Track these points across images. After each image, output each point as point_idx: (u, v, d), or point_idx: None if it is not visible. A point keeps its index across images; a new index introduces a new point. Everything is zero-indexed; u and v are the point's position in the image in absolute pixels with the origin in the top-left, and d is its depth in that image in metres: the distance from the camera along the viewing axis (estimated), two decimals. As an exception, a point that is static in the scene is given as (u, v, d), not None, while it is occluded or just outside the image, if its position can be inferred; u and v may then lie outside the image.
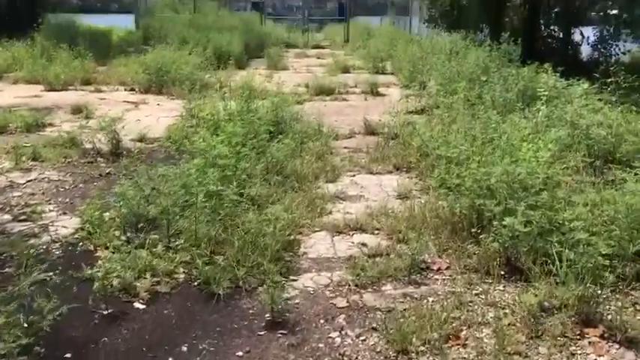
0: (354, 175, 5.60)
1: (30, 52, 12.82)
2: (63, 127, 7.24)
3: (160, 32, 16.13)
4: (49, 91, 10.51)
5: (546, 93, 7.45)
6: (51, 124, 7.62)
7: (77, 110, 8.34)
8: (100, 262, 3.49)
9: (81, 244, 3.85)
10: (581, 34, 14.97)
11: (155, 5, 26.21)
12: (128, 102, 9.43)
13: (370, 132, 7.40)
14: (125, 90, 10.65)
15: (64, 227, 4.14)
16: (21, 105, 8.96)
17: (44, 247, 3.82)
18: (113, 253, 3.58)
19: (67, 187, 5.13)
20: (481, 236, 3.76)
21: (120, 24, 26.79)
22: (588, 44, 14.68)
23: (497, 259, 3.55)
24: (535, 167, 4.04)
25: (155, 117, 8.25)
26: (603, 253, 3.14)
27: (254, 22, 25.80)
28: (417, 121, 7.66)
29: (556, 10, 16.89)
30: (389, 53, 15.96)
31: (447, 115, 6.89)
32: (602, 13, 14.53)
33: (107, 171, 5.63)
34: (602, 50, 14.04)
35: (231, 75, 12.92)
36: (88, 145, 6.29)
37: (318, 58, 18.53)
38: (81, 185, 5.20)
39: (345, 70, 14.52)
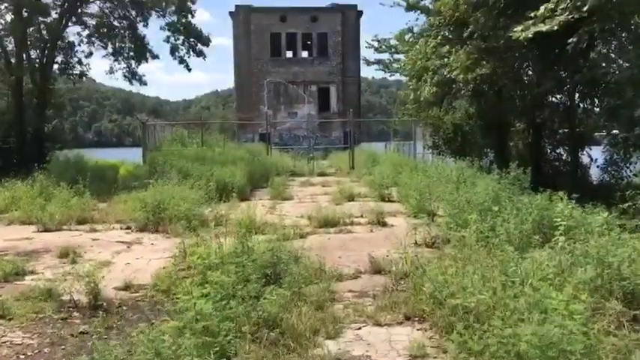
0: (359, 329, 4.92)
1: (29, 191, 12.65)
2: (45, 275, 6.72)
3: (164, 166, 16.12)
4: (42, 231, 10.13)
5: (564, 223, 6.94)
6: (33, 272, 7.08)
7: (65, 254, 7.86)
8: None
9: None
10: (590, 157, 14.78)
11: (163, 139, 26.79)
12: (121, 242, 8.98)
13: (377, 271, 6.79)
14: (121, 229, 10.25)
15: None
16: (9, 249, 8.51)
17: None
18: None
19: (28, 354, 4.47)
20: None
21: (131, 157, 27.43)
22: (597, 167, 14.44)
23: None
24: (570, 325, 3.39)
25: (147, 259, 7.73)
26: None
27: (260, 152, 26.23)
28: (426, 256, 7.10)
29: (560, 132, 16.91)
30: (394, 180, 15.78)
31: (459, 253, 6.31)
32: (607, 134, 14.45)
33: (80, 329, 4.99)
34: (613, 173, 13.76)
35: (232, 208, 12.63)
36: (66, 297, 5.71)
37: (324, 186, 18.38)
38: (46, 350, 4.54)
39: (351, 198, 14.22)
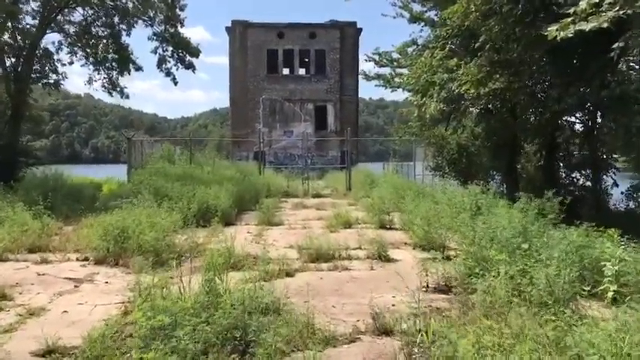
0: None
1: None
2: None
3: (140, 186, 14.61)
4: (-16, 262, 8.59)
5: (615, 268, 5.51)
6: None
7: (-4, 295, 6.33)
8: None
9: None
10: (615, 182, 13.35)
11: (150, 156, 25.27)
12: (70, 279, 7.44)
13: (382, 330, 5.26)
14: (77, 260, 8.72)
15: None
16: None
17: None
18: None
19: None
20: None
21: (122, 175, 25.88)
22: (622, 193, 13.01)
23: None
24: None
25: (92, 304, 6.19)
26: None
27: (252, 171, 24.76)
28: (442, 306, 5.64)
29: (576, 155, 15.51)
30: (395, 204, 14.33)
31: (491, 310, 4.84)
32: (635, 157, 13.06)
33: None
34: (640, 200, 12.35)
35: (213, 235, 11.15)
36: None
37: (318, 209, 16.87)
38: None
39: (347, 224, 12.71)
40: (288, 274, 7.61)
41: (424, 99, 13.79)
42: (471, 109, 15.66)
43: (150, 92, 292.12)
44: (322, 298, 6.38)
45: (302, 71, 45.19)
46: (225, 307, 4.78)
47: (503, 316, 4.93)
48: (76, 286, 7.04)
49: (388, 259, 8.79)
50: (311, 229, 12.32)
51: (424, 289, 6.91)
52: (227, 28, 43.33)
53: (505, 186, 16.42)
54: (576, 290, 5.49)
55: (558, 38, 6.41)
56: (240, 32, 42.59)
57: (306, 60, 44.22)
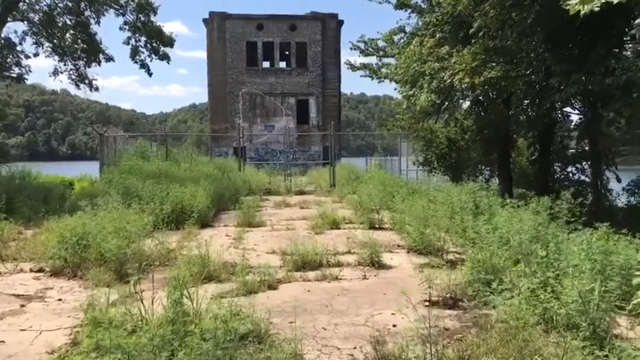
0: None
1: None
2: None
3: (113, 185, 13.54)
4: None
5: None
6: None
7: None
8: None
9: None
10: (618, 177, 12.63)
11: (124, 152, 24.03)
12: (18, 296, 6.42)
13: (384, 361, 4.37)
14: (31, 271, 7.68)
15: None
16: None
17: None
18: None
19: None
20: None
21: (96, 173, 24.60)
22: (624, 188, 12.30)
23: None
24: None
25: (37, 330, 5.20)
26: None
27: (232, 168, 23.73)
28: (451, 326, 4.79)
29: (573, 148, 14.80)
30: (384, 202, 13.49)
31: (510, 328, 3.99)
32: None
33: None
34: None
35: (188, 238, 10.18)
36: None
37: (302, 207, 15.95)
38: None
39: (334, 224, 11.82)
40: (271, 287, 6.68)
41: (413, 90, 12.95)
42: (462, 100, 14.85)
43: (128, 88, 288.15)
44: (311, 317, 5.47)
45: (283, 64, 44.13)
46: (193, 341, 3.85)
47: (532, 344, 4.08)
48: (22, 306, 6.02)
49: (382, 266, 7.91)
50: (295, 230, 11.42)
51: (427, 302, 6.04)
52: (204, 20, 42.06)
53: (498, 181, 15.66)
54: (610, 307, 4.66)
55: (581, 14, 5.55)
56: (218, 24, 41.36)
57: (287, 53, 43.19)
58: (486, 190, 9.78)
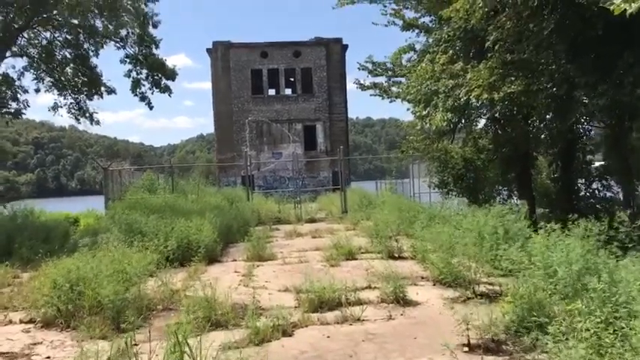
0: None
1: None
2: None
3: (115, 221, 12.90)
4: None
5: None
6: None
7: None
8: None
9: None
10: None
11: (130, 186, 23.44)
12: (2, 354, 5.71)
13: None
14: (21, 322, 6.98)
15: None
16: None
17: None
18: None
19: None
20: None
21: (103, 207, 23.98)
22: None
23: None
24: None
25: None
26: None
27: (240, 197, 23.09)
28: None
29: (594, 164, 14.04)
30: (402, 228, 12.77)
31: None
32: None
33: None
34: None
35: (193, 277, 9.46)
36: None
37: (314, 237, 15.21)
38: None
39: (350, 254, 11.06)
40: (285, 333, 5.93)
41: (427, 109, 12.33)
42: (481, 118, 14.17)
43: (135, 121, 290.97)
44: (334, 372, 4.72)
45: (288, 91, 43.86)
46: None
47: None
48: (3, 367, 5.32)
49: (407, 302, 7.14)
50: (308, 262, 10.67)
51: (465, 347, 5.27)
52: (208, 50, 41.96)
53: (518, 202, 14.88)
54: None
55: (627, 13, 4.89)
56: (222, 53, 41.23)
57: (292, 79, 42.95)
58: (516, 212, 9.01)
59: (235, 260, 11.48)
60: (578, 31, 9.83)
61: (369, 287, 8.04)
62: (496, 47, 11.31)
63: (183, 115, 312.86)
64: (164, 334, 5.46)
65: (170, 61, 22.17)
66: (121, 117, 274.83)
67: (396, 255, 10.90)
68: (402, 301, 7.12)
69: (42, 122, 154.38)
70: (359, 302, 7.10)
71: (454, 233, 8.68)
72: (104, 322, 6.20)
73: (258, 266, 10.57)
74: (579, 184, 14.82)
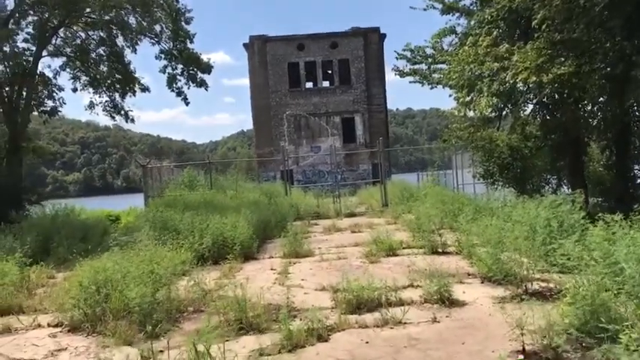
0: None
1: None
2: None
3: (148, 219, 12.72)
4: None
5: None
6: None
7: None
8: None
9: None
10: None
11: (169, 182, 23.43)
12: (23, 361, 5.47)
13: None
14: (49, 325, 6.76)
15: None
16: None
17: None
18: None
19: None
20: None
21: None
22: None
23: None
24: None
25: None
26: None
27: (279, 192, 22.80)
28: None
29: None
30: (446, 222, 12.16)
31: None
32: None
33: None
34: None
35: (228, 275, 9.15)
36: None
37: (353, 232, 14.74)
38: None
39: (391, 250, 10.52)
40: (321, 337, 5.48)
41: (471, 95, 11.63)
42: (528, 103, 13.34)
43: (178, 119, 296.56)
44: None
45: (326, 83, 43.39)
46: None
47: None
48: (24, 376, 5.05)
49: (453, 302, 6.58)
50: (347, 259, 10.22)
51: (520, 354, 4.71)
52: (245, 45, 41.86)
53: (569, 191, 14.02)
54: None
55: None
56: (258, 47, 41.06)
57: (329, 71, 42.44)
58: (571, 203, 8.29)
59: (272, 257, 11.12)
60: (635, 5, 9.01)
61: (411, 286, 7.52)
62: (543, 27, 10.54)
63: (224, 112, 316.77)
64: (193, 338, 5.10)
65: (210, 59, 22.09)
66: (164, 115, 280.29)
67: (440, 250, 10.33)
68: (447, 301, 6.57)
69: (87, 122, 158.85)
70: (400, 302, 6.59)
71: (503, 226, 8.04)
72: (130, 326, 5.88)
73: (294, 263, 10.18)
74: (636, 171, 13.87)
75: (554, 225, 7.54)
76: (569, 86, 10.63)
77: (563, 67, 9.88)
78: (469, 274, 8.08)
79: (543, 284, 6.91)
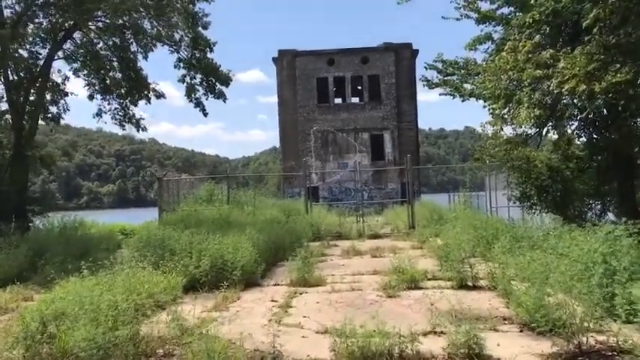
0: None
1: None
2: None
3: (148, 235, 11.60)
4: None
5: None
6: None
7: None
8: None
9: None
10: None
11: (187, 195, 22.45)
12: None
13: None
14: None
15: None
16: None
17: None
18: None
19: None
20: None
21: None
22: None
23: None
24: None
25: None
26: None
27: (299, 210, 21.55)
28: None
29: None
30: (477, 250, 10.73)
31: None
32: None
33: None
34: None
35: (220, 307, 7.91)
36: None
37: (374, 256, 13.35)
38: None
39: (413, 281, 9.13)
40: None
41: (508, 106, 10.23)
42: (572, 119, 11.83)
43: (212, 134, 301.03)
44: None
45: (355, 99, 42.21)
46: None
47: None
48: None
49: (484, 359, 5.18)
50: (362, 291, 8.86)
51: None
52: (274, 59, 41.08)
53: (617, 218, 12.42)
54: None
55: None
56: (287, 62, 40.23)
57: (359, 87, 41.29)
58: (630, 235, 6.77)
59: (277, 284, 9.84)
60: None
61: (432, 332, 6.13)
62: (595, 29, 9.13)
63: (258, 129, 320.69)
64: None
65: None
66: (198, 130, 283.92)
67: (470, 284, 8.90)
68: (476, 357, 5.18)
69: (124, 136, 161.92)
70: (417, 357, 5.23)
71: (548, 261, 6.60)
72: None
73: (300, 294, 8.88)
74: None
75: (614, 263, 6.07)
76: (626, 97, 9.16)
77: (619, 75, 8.45)
78: (505, 319, 6.65)
79: (602, 338, 5.45)
